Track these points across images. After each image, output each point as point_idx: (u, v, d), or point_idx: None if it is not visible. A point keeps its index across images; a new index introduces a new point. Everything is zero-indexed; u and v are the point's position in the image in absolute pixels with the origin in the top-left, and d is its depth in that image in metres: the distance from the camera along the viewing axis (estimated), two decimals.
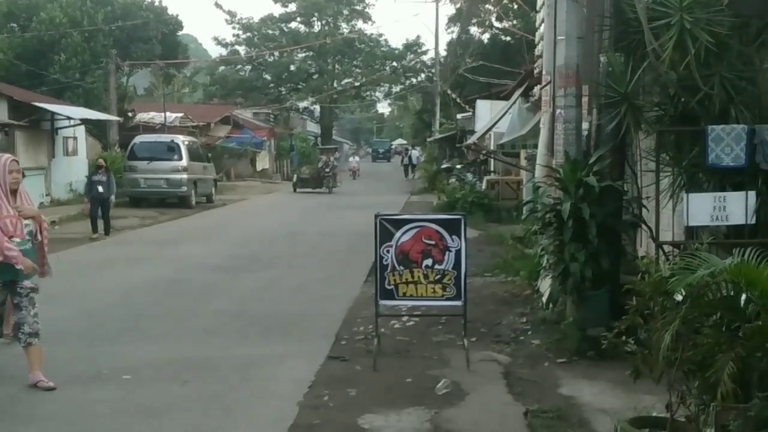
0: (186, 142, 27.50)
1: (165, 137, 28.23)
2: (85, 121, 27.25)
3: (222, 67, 60.09)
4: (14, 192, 6.58)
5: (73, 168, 27.21)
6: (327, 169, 34.93)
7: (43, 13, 33.39)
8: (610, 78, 7.60)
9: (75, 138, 27.66)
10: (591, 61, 8.45)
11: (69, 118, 25.84)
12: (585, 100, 8.70)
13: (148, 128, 33.36)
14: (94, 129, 30.12)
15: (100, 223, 18.13)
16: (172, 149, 26.54)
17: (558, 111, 8.61)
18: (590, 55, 8.49)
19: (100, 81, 32.12)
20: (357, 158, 54.42)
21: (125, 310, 10.15)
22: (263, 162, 46.60)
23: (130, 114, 34.11)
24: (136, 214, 22.88)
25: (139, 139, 27.59)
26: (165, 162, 25.94)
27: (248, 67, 61.67)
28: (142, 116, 35.57)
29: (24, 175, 6.85)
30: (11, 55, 30.72)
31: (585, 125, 8.71)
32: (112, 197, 18.31)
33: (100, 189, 17.74)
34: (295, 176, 35.58)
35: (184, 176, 26.01)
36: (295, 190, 33.86)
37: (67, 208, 23.52)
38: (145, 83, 49.35)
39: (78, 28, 33.29)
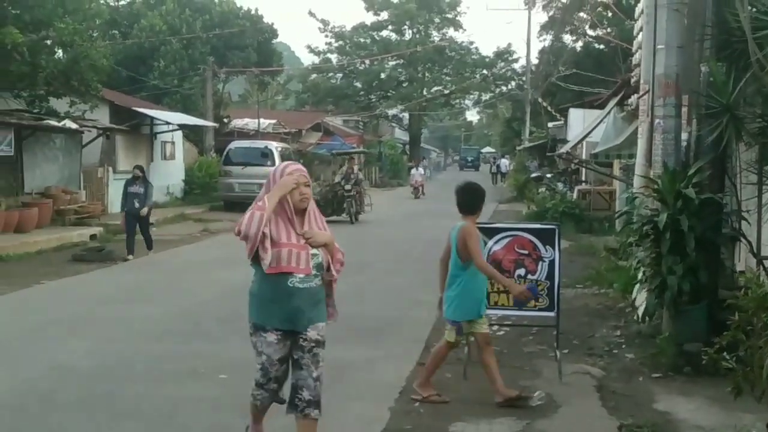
0: (279, 148, 28.01)
1: (259, 143, 28.83)
2: (182, 127, 28.04)
3: (314, 75, 60.90)
4: (302, 212, 4.98)
5: (170, 172, 28.07)
6: (348, 186, 23.80)
7: (143, 20, 34.47)
8: (711, 88, 7.44)
9: (173, 143, 28.52)
10: (691, 71, 8.28)
11: (167, 123, 26.63)
12: (684, 110, 8.54)
13: (243, 134, 34.09)
14: (191, 134, 30.97)
15: (139, 242, 15.83)
16: (266, 155, 27.08)
17: (657, 121, 8.47)
18: (691, 65, 8.32)
19: (197, 87, 32.98)
20: (421, 170, 41.02)
21: (221, 310, 10.40)
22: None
23: (225, 120, 34.92)
24: (230, 217, 23.33)
25: (234, 144, 28.25)
26: (258, 167, 26.43)
27: (339, 75, 62.37)
28: (237, 122, 36.37)
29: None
30: (113, 61, 31.86)
31: (684, 136, 8.53)
32: (145, 209, 15.59)
33: (137, 203, 15.45)
34: None
35: None
36: None
37: (164, 211, 24.25)
38: (239, 90, 50.48)
39: (177, 36, 34.25)
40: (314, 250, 4.92)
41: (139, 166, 16.75)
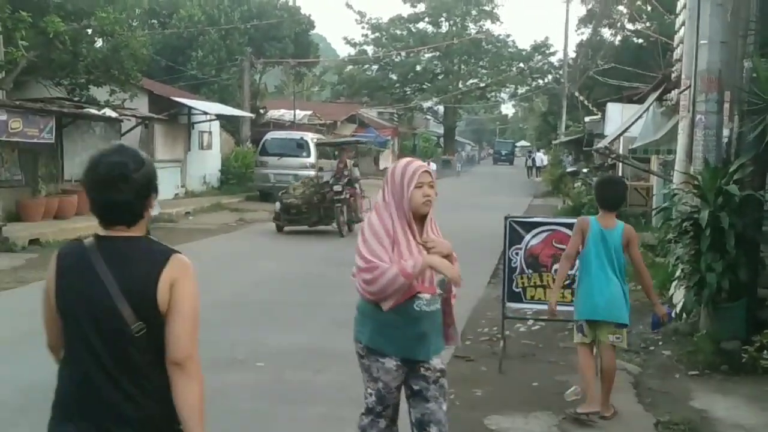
0: (314, 140, 28.13)
1: (295, 134, 28.98)
2: (219, 117, 28.27)
3: (350, 67, 61.04)
4: (422, 217, 4.13)
5: (207, 161, 28.32)
6: (338, 187, 18.03)
7: (182, 10, 34.72)
8: (754, 84, 7.37)
9: (210, 132, 28.76)
10: (734, 67, 8.21)
11: (205, 113, 26.86)
12: (726, 106, 8.45)
13: (278, 125, 34.27)
14: (228, 124, 31.20)
15: None
16: (301, 146, 27.23)
17: (698, 117, 8.39)
18: (734, 60, 8.24)
19: (234, 78, 33.19)
20: (433, 166, 32.60)
21: (257, 300, 10.52)
22: (386, 161, 47.06)
23: (261, 111, 35.13)
24: (266, 207, 23.50)
25: (270, 135, 28.43)
26: (294, 158, 26.64)
27: (375, 67, 62.43)
28: (273, 113, 36.58)
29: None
30: (152, 51, 32.21)
31: (725, 132, 8.45)
32: None
33: None
34: (278, 203, 18.42)
35: (312, 173, 26.61)
36: (279, 230, 18.23)
37: (200, 200, 24.50)
38: (276, 81, 50.70)
39: (215, 26, 34.46)
40: None
41: None
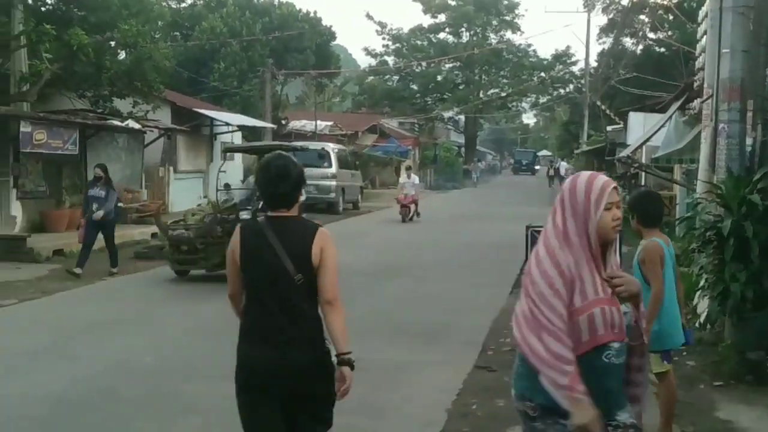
0: (335, 150, 28.20)
1: (316, 145, 29.07)
2: (241, 128, 28.40)
3: (371, 77, 61.18)
4: (604, 246, 3.31)
5: (229, 172, 28.34)
6: (245, 214, 12.88)
7: (204, 22, 35.01)
8: None
9: (232, 143, 28.86)
10: (756, 75, 8.17)
11: (227, 124, 27.00)
12: (749, 114, 8.39)
13: (300, 136, 34.40)
14: (250, 135, 31.35)
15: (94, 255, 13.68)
16: (323, 157, 27.30)
17: (720, 126, 8.33)
18: (756, 69, 8.20)
19: (256, 89, 33.38)
20: (414, 179, 25.96)
21: None
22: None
23: (283, 121, 35.29)
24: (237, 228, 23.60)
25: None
26: (315, 169, 26.69)
27: (396, 78, 62.53)
28: (295, 124, 36.74)
29: None
30: (174, 63, 32.49)
31: (749, 141, 8.39)
32: (100, 213, 13.17)
33: (94, 207, 13.26)
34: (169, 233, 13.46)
35: (333, 183, 26.70)
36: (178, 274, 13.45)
37: None
38: (297, 92, 50.92)
39: (237, 38, 34.72)
40: (624, 305, 3.30)
41: (101, 165, 14.15)
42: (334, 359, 3.78)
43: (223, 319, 9.91)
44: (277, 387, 3.75)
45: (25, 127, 16.22)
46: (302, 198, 4.41)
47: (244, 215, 12.42)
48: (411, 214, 24.70)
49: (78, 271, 12.98)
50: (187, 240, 12.85)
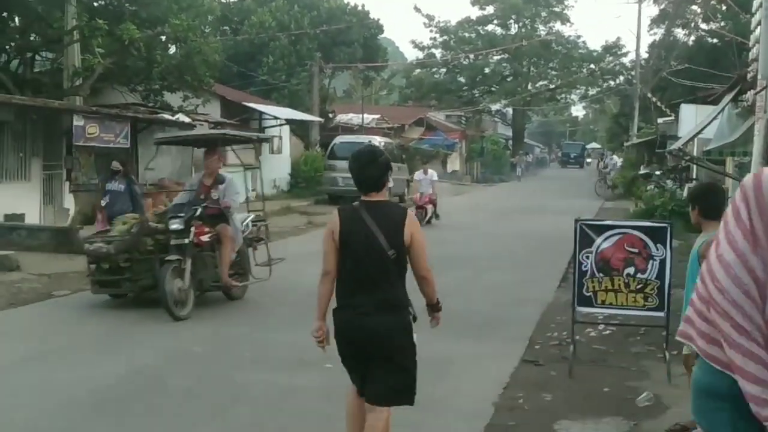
0: (382, 143, 28.22)
1: (363, 138, 29.06)
2: (289, 121, 28.59)
3: (418, 70, 61.05)
4: None
5: (277, 166, 28.66)
6: (176, 224, 9.68)
7: (253, 17, 35.25)
8: None
9: (280, 137, 29.10)
10: None
11: (275, 117, 27.19)
12: None
13: (347, 129, 34.50)
14: (298, 129, 31.53)
15: None
16: None
17: None
18: None
19: (304, 83, 33.54)
20: (433, 176, 22.53)
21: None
22: (454, 164, 46.95)
23: (330, 115, 35.41)
24: (334, 211, 23.71)
25: (339, 139, 28.64)
26: None
27: (443, 70, 62.29)
28: (342, 117, 36.83)
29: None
30: (224, 57, 32.82)
31: None
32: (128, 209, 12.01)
33: (118, 205, 12.21)
34: (85, 246, 10.48)
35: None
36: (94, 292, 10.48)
37: (270, 204, 24.76)
38: (344, 85, 51.05)
39: (285, 32, 34.91)
40: None
41: (120, 159, 13.67)
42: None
43: (271, 309, 10.04)
44: (368, 344, 4.46)
45: (77, 121, 16.52)
46: (390, 185, 5.10)
47: (174, 225, 9.65)
48: (428, 217, 20.97)
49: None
50: (106, 256, 9.96)
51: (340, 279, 4.53)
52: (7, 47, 19.82)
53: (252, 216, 11.63)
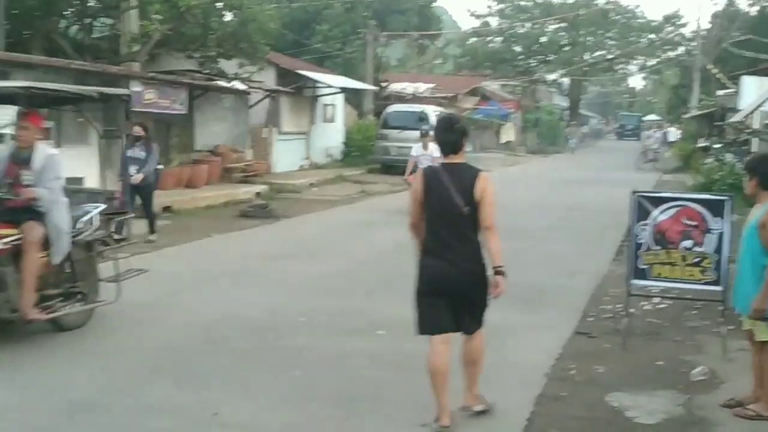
0: (435, 113, 28.08)
1: (416, 107, 28.97)
2: (343, 90, 28.58)
3: (473, 39, 60.44)
4: None
5: (330, 134, 28.74)
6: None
7: None
8: None
9: (333, 105, 29.13)
10: None
11: (329, 86, 27.20)
12: None
13: (400, 98, 34.36)
14: (351, 97, 31.51)
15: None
16: (423, 119, 27.20)
17: None
18: None
19: (358, 51, 33.45)
20: (434, 151, 13.53)
21: (379, 269, 10.69)
22: (508, 134, 46.53)
23: (384, 84, 35.31)
24: (387, 180, 23.68)
25: (391, 108, 28.55)
26: (414, 131, 26.61)
27: (498, 39, 61.57)
28: (395, 86, 36.68)
29: None
30: (279, 25, 32.86)
31: None
32: (139, 176, 12.28)
33: (133, 170, 12.13)
34: None
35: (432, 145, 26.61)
36: None
37: (323, 172, 24.94)
38: (398, 54, 50.79)
39: (340, 0, 34.76)
40: None
41: (141, 123, 13.05)
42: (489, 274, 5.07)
43: (324, 277, 10.14)
44: (446, 290, 5.07)
45: (135, 87, 16.73)
46: (468, 148, 5.57)
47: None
48: None
49: (153, 237, 12.39)
50: None
51: (426, 233, 5.15)
52: (66, 13, 20.09)
53: (102, 207, 7.96)
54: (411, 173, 15.84)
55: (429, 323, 5.16)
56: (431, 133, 14.86)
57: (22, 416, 5.22)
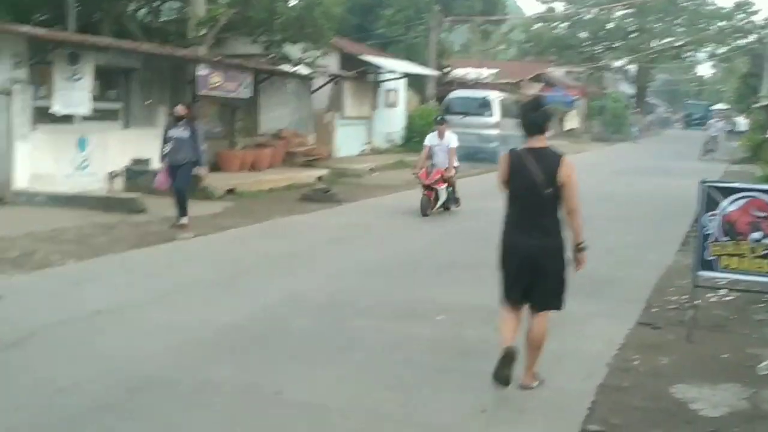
0: (498, 99, 27.87)
1: (478, 93, 28.82)
2: (406, 75, 28.53)
3: (538, 24, 59.74)
4: None
5: (391, 119, 28.75)
6: None
7: None
8: None
9: (396, 90, 29.12)
10: None
11: (392, 71, 27.19)
12: None
13: (463, 84, 34.18)
14: (413, 82, 31.43)
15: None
16: (485, 105, 27.07)
17: None
18: None
19: (421, 36, 33.32)
20: (451, 141, 14.70)
21: (439, 255, 10.70)
22: (572, 121, 45.97)
23: (447, 69, 35.14)
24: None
25: (454, 94, 28.45)
26: (477, 117, 26.52)
27: (564, 25, 60.74)
28: (458, 72, 36.49)
29: None
30: (343, 9, 32.88)
31: None
32: (202, 170, 12.56)
33: (169, 149, 12.03)
34: None
35: (495, 132, 26.41)
36: None
37: (384, 157, 24.98)
38: (462, 39, 50.44)
39: None
40: None
41: (185, 102, 13.09)
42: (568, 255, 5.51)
43: (384, 262, 10.18)
44: (526, 262, 5.44)
45: (201, 70, 16.96)
46: (550, 132, 5.76)
47: None
48: (438, 204, 14.45)
49: (184, 220, 12.07)
50: None
51: (509, 210, 5.56)
52: None
53: None
54: (423, 168, 14.39)
55: (504, 293, 5.64)
56: (447, 120, 14.77)
57: (88, 392, 5.36)
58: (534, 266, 5.45)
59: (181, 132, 11.94)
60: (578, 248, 5.51)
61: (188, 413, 5.08)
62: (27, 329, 6.61)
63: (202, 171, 12.56)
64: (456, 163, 14.87)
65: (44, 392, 5.30)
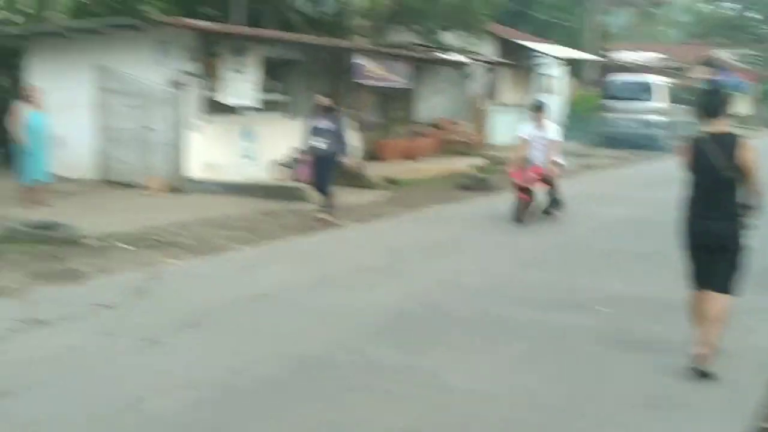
0: (662, 83, 26.86)
1: (639, 77, 27.87)
2: (564, 60, 27.96)
3: (704, 5, 57.01)
4: None
5: (551, 106, 28.21)
6: None
7: None
8: None
9: (553, 76, 28.58)
10: None
11: (550, 56, 26.71)
12: None
13: (624, 68, 33.15)
14: (572, 68, 30.78)
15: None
16: (646, 90, 26.15)
17: None
18: None
19: (581, 20, 32.54)
20: (550, 132, 12.17)
21: (599, 243, 10.50)
22: (742, 107, 43.59)
23: (607, 53, 34.19)
24: (609, 153, 23.02)
25: (615, 78, 27.62)
26: (638, 102, 25.68)
27: (732, 4, 57.67)
28: (619, 56, 35.42)
29: None
30: None
31: None
32: (343, 157, 11.91)
33: (317, 143, 11.60)
34: None
35: (658, 118, 25.50)
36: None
37: None
38: (620, 22, 48.86)
39: None
40: None
41: (328, 93, 12.46)
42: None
43: (543, 250, 10.06)
44: (708, 242, 5.63)
45: (360, 60, 17.22)
46: (728, 116, 5.72)
47: None
48: (526, 210, 12.00)
49: (327, 215, 11.68)
50: None
51: (692, 193, 5.70)
52: None
53: None
54: (521, 166, 12.04)
55: (690, 276, 5.83)
56: (545, 108, 12.19)
57: (254, 369, 5.59)
58: (712, 248, 5.60)
59: (324, 123, 11.58)
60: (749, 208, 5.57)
61: (352, 393, 5.21)
62: (201, 310, 6.97)
63: (346, 160, 12.17)
64: (560, 160, 12.54)
65: (218, 370, 5.58)
